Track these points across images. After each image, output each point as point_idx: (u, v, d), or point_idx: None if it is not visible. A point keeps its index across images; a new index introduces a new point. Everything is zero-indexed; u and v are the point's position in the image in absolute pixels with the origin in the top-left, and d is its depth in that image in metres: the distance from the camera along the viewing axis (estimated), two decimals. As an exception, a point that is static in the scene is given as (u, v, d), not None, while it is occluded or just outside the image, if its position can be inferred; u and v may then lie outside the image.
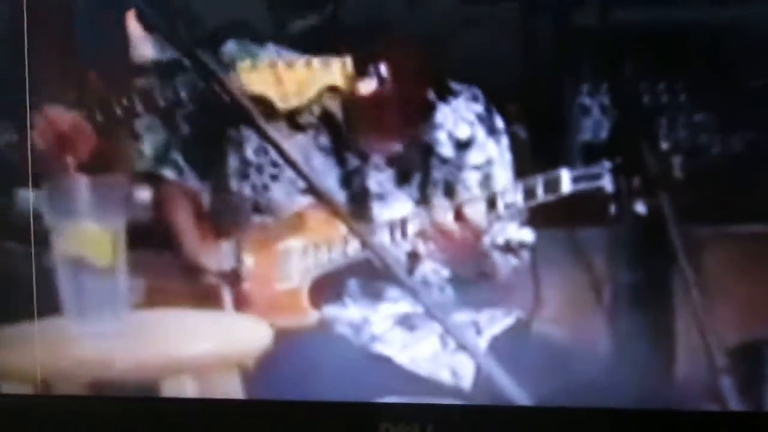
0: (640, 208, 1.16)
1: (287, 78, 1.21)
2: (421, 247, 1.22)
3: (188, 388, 1.21)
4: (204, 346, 1.25)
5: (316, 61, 1.20)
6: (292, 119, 1.23)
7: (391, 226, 1.22)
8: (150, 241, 1.25)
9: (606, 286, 1.19)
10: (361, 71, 1.19)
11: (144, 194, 1.26)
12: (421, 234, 1.21)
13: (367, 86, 1.19)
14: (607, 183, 1.15)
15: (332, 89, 1.20)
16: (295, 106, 1.21)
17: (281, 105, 1.21)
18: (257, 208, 1.26)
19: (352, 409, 1.12)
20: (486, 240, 1.21)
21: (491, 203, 1.19)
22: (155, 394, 1.20)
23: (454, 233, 1.20)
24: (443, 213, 1.21)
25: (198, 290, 1.27)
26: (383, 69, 1.19)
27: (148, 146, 1.25)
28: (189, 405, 1.18)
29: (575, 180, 1.16)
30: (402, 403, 1.15)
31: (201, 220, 1.26)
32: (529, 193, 1.18)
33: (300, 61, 1.20)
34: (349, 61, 1.19)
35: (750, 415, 1.10)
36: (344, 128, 1.23)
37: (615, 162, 1.15)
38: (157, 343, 1.25)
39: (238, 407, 1.18)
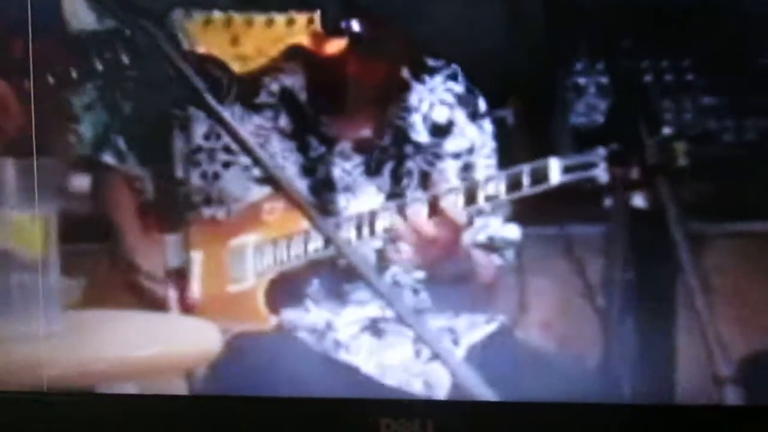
0: (639, 201, 1.08)
1: (245, 36, 1.12)
2: (392, 245, 1.14)
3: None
4: (146, 351, 1.18)
5: (279, 18, 1.10)
6: (247, 98, 1.14)
7: (359, 221, 1.14)
8: (87, 233, 1.18)
9: (599, 288, 1.12)
10: (329, 29, 1.10)
11: (80, 181, 1.17)
12: (392, 230, 1.12)
13: (335, 45, 1.10)
14: (601, 173, 1.07)
15: (296, 50, 1.11)
16: (253, 69, 1.13)
17: (237, 68, 1.12)
18: (207, 199, 1.17)
19: (352, 405, 1.11)
20: (466, 237, 1.13)
21: (470, 196, 1.10)
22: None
23: (429, 229, 1.11)
24: (418, 207, 1.12)
25: (140, 290, 1.19)
26: (355, 24, 1.09)
27: (85, 127, 1.17)
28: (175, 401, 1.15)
29: (566, 170, 1.07)
30: (402, 399, 1.13)
31: (144, 212, 1.18)
32: (513, 184, 1.09)
33: (260, 18, 1.11)
34: (316, 17, 1.10)
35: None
36: (307, 109, 1.14)
37: (611, 149, 1.07)
38: (93, 347, 1.17)
39: (232, 404, 1.13)
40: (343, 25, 1.09)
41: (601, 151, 1.06)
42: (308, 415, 1.11)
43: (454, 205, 1.10)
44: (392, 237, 1.13)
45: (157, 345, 1.18)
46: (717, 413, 1.07)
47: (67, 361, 1.17)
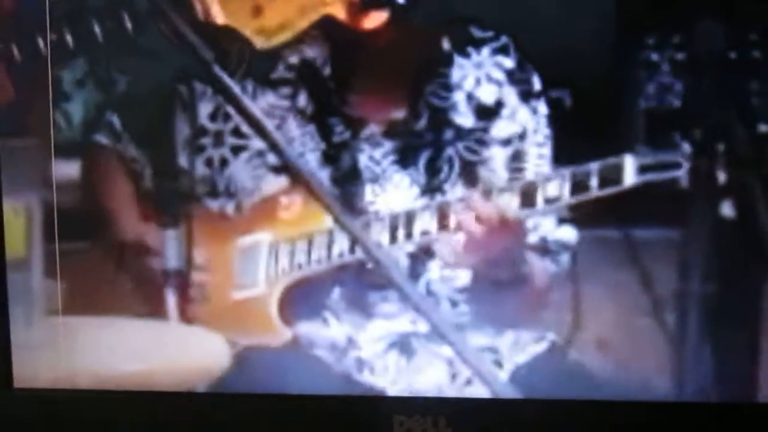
0: (727, 210, 1.01)
1: (270, 6, 1.05)
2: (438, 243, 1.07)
3: None
4: (139, 365, 1.13)
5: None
6: (262, 72, 1.06)
7: (393, 222, 1.07)
8: (75, 228, 1.11)
9: (670, 306, 1.04)
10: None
11: (68, 168, 1.10)
12: (442, 225, 1.06)
13: (374, 19, 1.03)
14: (684, 174, 1.00)
15: (328, 22, 1.04)
16: (278, 44, 1.05)
17: (260, 43, 1.05)
18: (213, 190, 1.10)
19: (366, 402, 1.11)
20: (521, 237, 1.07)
21: (527, 197, 1.04)
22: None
23: (488, 223, 1.05)
24: (468, 201, 1.06)
25: (134, 294, 1.12)
26: None
27: (75, 106, 1.09)
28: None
29: (642, 169, 1.01)
30: (415, 396, 1.10)
31: (142, 201, 1.11)
32: (579, 185, 1.02)
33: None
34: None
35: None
36: (330, 85, 1.07)
37: (694, 146, 1.00)
38: (80, 358, 1.13)
39: (252, 401, 1.12)
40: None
41: (686, 148, 1.00)
42: (321, 413, 1.11)
43: (507, 204, 1.05)
44: (444, 227, 1.07)
45: (152, 358, 1.13)
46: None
47: (48, 372, 1.13)
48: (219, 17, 1.05)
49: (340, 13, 1.04)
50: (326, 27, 1.05)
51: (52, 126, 1.08)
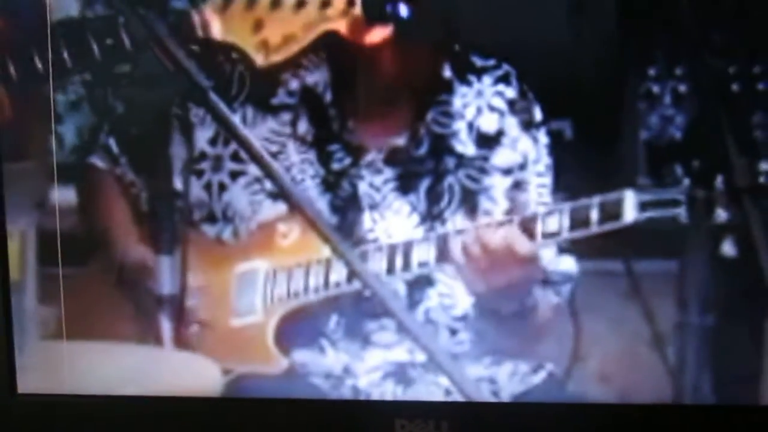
0: (729, 248, 1.02)
1: (271, 21, 1.05)
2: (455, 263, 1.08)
3: None
4: (131, 390, 1.14)
5: (312, -1, 1.03)
6: (262, 98, 1.07)
7: (391, 252, 1.09)
8: (70, 252, 1.12)
9: (671, 338, 1.06)
10: (372, 13, 1.04)
11: (62, 193, 1.11)
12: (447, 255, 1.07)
13: (378, 34, 1.04)
14: (684, 212, 1.02)
15: (331, 37, 1.05)
16: (279, 61, 1.06)
17: (260, 60, 1.06)
18: (211, 216, 1.10)
19: (368, 406, 1.13)
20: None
21: (527, 231, 1.06)
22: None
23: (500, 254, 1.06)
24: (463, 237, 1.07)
25: (130, 319, 1.13)
26: (403, 9, 1.03)
27: (68, 129, 1.10)
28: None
29: (643, 206, 1.03)
30: (417, 400, 1.12)
31: (138, 229, 1.12)
32: (579, 221, 1.04)
33: (290, -1, 1.03)
34: (357, -1, 1.02)
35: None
36: (331, 112, 1.08)
37: (695, 182, 1.02)
38: (72, 383, 1.14)
39: (254, 406, 1.14)
40: (388, 9, 1.03)
41: (686, 185, 1.02)
42: (323, 417, 1.13)
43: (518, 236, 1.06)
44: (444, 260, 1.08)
45: (146, 384, 1.14)
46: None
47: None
48: (219, 32, 1.07)
49: (342, 28, 1.05)
50: (329, 43, 1.06)
51: (52, 148, 1.10)
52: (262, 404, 1.13)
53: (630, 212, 1.03)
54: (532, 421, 1.11)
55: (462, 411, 1.11)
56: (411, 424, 1.10)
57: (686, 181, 1.02)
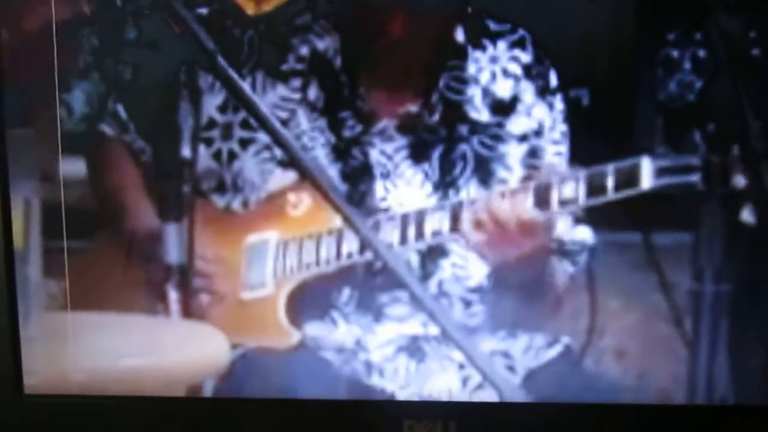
0: (748, 215, 1.05)
1: None
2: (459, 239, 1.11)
3: None
4: (138, 361, 1.16)
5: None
6: (272, 64, 1.09)
7: (404, 221, 1.11)
8: (77, 223, 1.14)
9: (690, 310, 1.09)
10: None
11: (69, 165, 1.13)
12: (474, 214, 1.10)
13: None
14: (701, 179, 1.05)
15: None
16: (269, 10, 1.08)
17: (251, 10, 1.08)
18: (221, 186, 1.12)
19: (376, 406, 1.16)
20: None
21: (541, 198, 1.08)
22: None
23: (515, 224, 1.09)
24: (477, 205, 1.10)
25: (138, 291, 1.15)
26: None
27: (76, 98, 1.12)
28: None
29: (660, 172, 1.05)
30: (425, 400, 1.15)
31: (146, 197, 1.13)
32: (595, 188, 1.07)
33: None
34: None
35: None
36: (342, 78, 1.10)
37: (714, 148, 1.04)
38: (77, 354, 1.16)
39: (249, 405, 1.16)
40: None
41: (702, 151, 1.04)
42: (331, 417, 1.16)
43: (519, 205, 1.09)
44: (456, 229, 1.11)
45: (151, 354, 1.17)
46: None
47: (47, 369, 1.16)
48: None
49: None
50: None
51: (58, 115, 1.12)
52: (269, 404, 1.16)
53: (647, 179, 1.05)
54: (541, 421, 1.13)
55: (470, 411, 1.14)
56: (419, 425, 1.13)
57: (703, 147, 1.04)
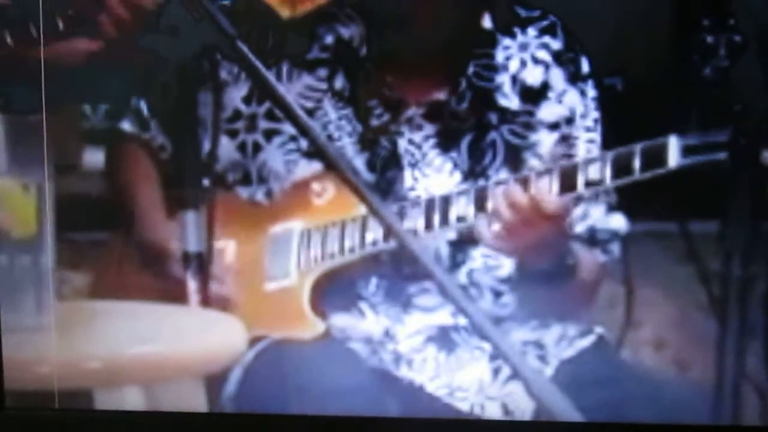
0: None
1: None
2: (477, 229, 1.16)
3: (130, 400, 1.22)
4: (152, 348, 1.23)
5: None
6: (297, 53, 1.16)
7: (428, 208, 1.16)
8: (91, 210, 1.21)
9: (728, 299, 1.13)
10: None
11: (90, 157, 1.20)
12: (479, 212, 1.16)
13: None
14: (731, 156, 1.09)
15: None
16: (305, 13, 1.14)
17: (286, 12, 1.14)
18: (246, 178, 1.19)
19: (386, 424, 1.20)
20: (565, 226, 1.16)
21: (568, 180, 1.13)
22: (87, 407, 1.22)
23: (527, 212, 1.14)
24: (506, 187, 1.15)
25: (151, 277, 1.22)
26: None
27: (99, 91, 1.19)
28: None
29: (687, 150, 1.10)
30: (437, 418, 1.19)
31: (168, 188, 1.21)
32: (621, 168, 1.11)
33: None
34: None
35: None
36: (368, 66, 1.17)
37: (745, 127, 1.09)
38: (91, 342, 1.22)
39: (260, 422, 1.22)
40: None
41: (731, 129, 1.09)
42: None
43: (547, 191, 1.13)
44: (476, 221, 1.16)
45: (166, 341, 1.23)
46: None
47: (60, 357, 1.22)
48: None
49: None
50: None
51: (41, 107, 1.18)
52: (269, 420, 1.21)
53: (674, 157, 1.10)
54: None
55: (482, 428, 1.20)
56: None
57: (730, 125, 1.09)
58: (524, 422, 1.19)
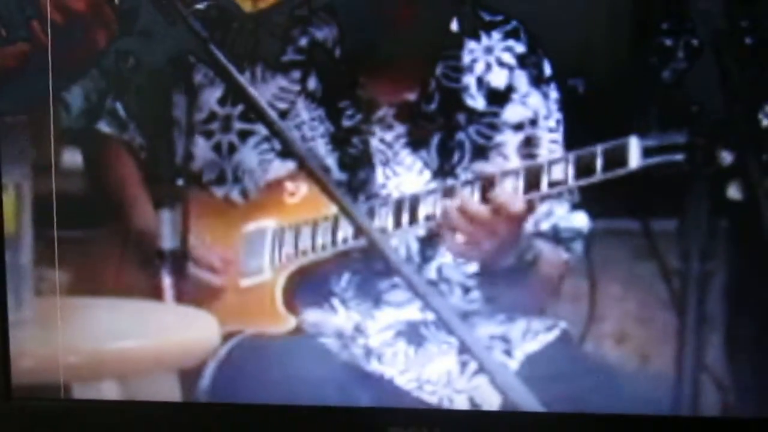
0: (734, 192, 1.16)
1: None
2: (441, 231, 1.22)
3: (108, 394, 1.28)
4: (128, 343, 1.29)
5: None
6: (271, 55, 1.22)
7: (398, 206, 1.23)
8: (68, 207, 1.26)
9: (688, 294, 1.20)
10: None
11: (69, 157, 1.26)
12: (442, 213, 1.22)
13: None
14: (689, 157, 1.15)
15: None
16: (265, 7, 1.20)
17: (248, 7, 1.20)
18: (221, 176, 1.25)
19: (361, 413, 1.25)
20: (527, 224, 1.22)
21: (532, 180, 1.20)
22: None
23: (483, 212, 1.20)
24: (469, 189, 1.22)
25: (128, 274, 1.28)
26: None
27: (75, 93, 1.24)
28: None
29: (647, 152, 1.16)
30: (411, 408, 1.25)
31: (148, 187, 1.27)
32: (583, 168, 1.18)
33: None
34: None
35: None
36: (341, 67, 1.23)
37: (703, 128, 1.15)
38: (71, 338, 1.27)
39: (234, 411, 1.27)
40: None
41: (689, 130, 1.15)
42: (315, 424, 1.26)
43: (512, 190, 1.19)
44: (440, 221, 1.22)
45: (141, 337, 1.29)
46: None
47: (37, 352, 1.27)
48: None
49: None
50: None
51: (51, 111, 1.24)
52: (254, 410, 1.26)
53: (635, 158, 1.16)
54: (525, 429, 1.24)
55: (455, 418, 1.25)
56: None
57: (688, 127, 1.15)
58: (489, 412, 1.24)
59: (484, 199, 1.21)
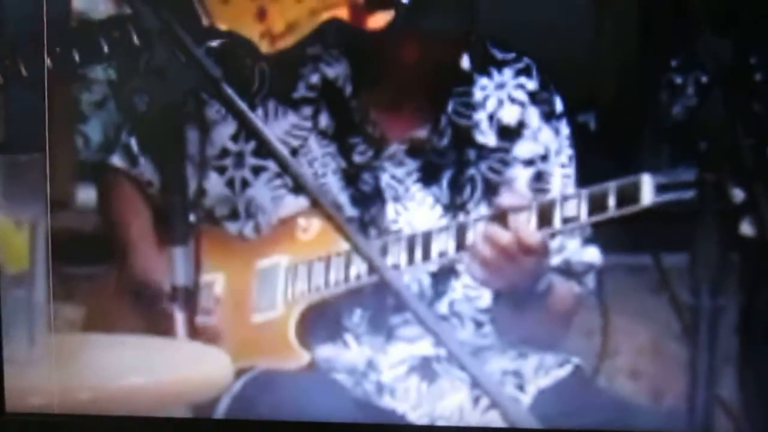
0: (747, 228, 1.18)
1: (273, 9, 1.24)
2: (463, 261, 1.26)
3: None
4: (139, 379, 1.32)
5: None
6: (283, 92, 1.27)
7: (411, 243, 1.26)
8: (82, 245, 1.31)
9: (702, 329, 1.22)
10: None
11: (83, 193, 1.31)
12: (464, 241, 1.25)
13: (380, 19, 1.22)
14: (699, 194, 1.19)
15: (334, 24, 1.23)
16: (284, 49, 1.24)
17: (264, 47, 1.25)
18: (233, 212, 1.30)
19: (380, 430, 1.28)
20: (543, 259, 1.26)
21: (545, 216, 1.23)
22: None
23: (502, 246, 1.23)
24: (482, 224, 1.25)
25: (141, 310, 1.32)
26: None
27: (92, 128, 1.30)
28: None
29: (660, 189, 1.19)
30: (430, 426, 1.27)
31: (158, 223, 1.32)
32: (596, 205, 1.21)
33: (291, -14, 1.27)
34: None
35: None
36: (352, 104, 1.28)
37: (712, 165, 1.19)
38: (81, 373, 1.31)
39: (266, 428, 1.30)
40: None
41: (699, 167, 1.19)
42: None
43: (526, 226, 1.23)
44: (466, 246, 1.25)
45: (153, 372, 1.32)
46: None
47: (50, 387, 1.31)
48: (223, 22, 1.25)
49: (344, 14, 1.23)
50: (333, 31, 1.24)
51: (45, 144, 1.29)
52: (275, 427, 1.29)
53: (648, 195, 1.19)
54: None
55: None
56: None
57: (701, 164, 1.18)
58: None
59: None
